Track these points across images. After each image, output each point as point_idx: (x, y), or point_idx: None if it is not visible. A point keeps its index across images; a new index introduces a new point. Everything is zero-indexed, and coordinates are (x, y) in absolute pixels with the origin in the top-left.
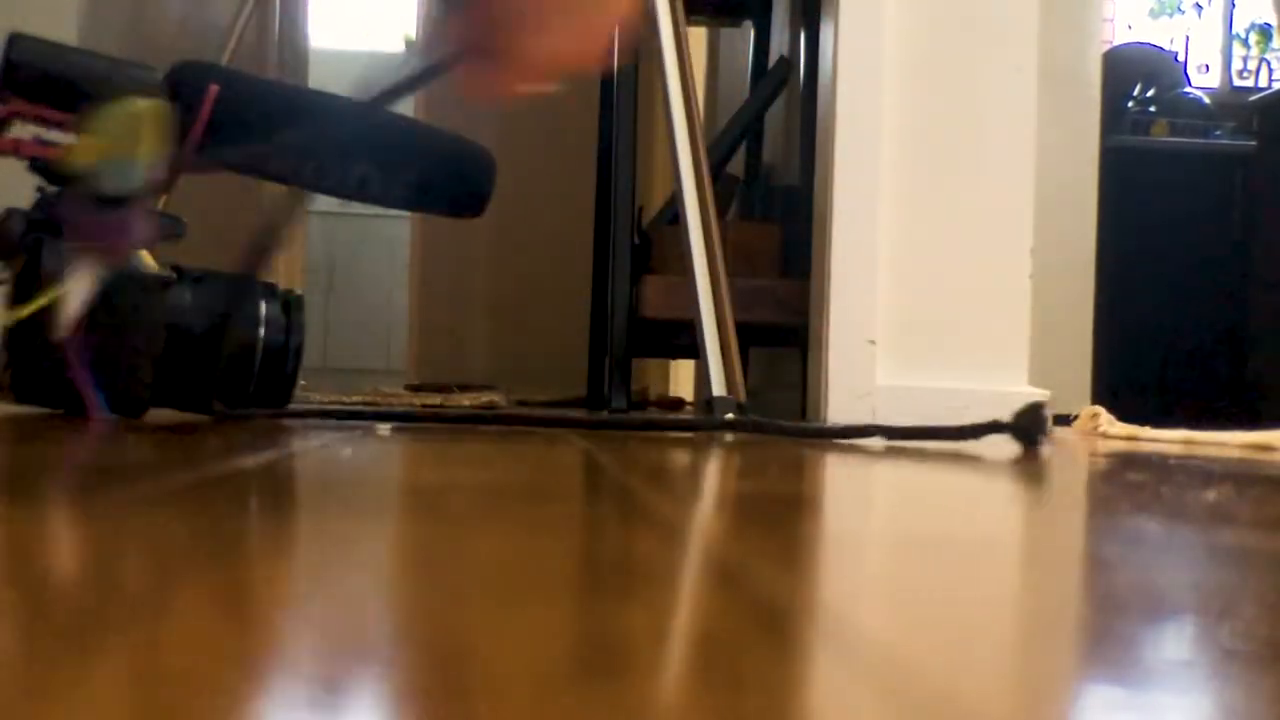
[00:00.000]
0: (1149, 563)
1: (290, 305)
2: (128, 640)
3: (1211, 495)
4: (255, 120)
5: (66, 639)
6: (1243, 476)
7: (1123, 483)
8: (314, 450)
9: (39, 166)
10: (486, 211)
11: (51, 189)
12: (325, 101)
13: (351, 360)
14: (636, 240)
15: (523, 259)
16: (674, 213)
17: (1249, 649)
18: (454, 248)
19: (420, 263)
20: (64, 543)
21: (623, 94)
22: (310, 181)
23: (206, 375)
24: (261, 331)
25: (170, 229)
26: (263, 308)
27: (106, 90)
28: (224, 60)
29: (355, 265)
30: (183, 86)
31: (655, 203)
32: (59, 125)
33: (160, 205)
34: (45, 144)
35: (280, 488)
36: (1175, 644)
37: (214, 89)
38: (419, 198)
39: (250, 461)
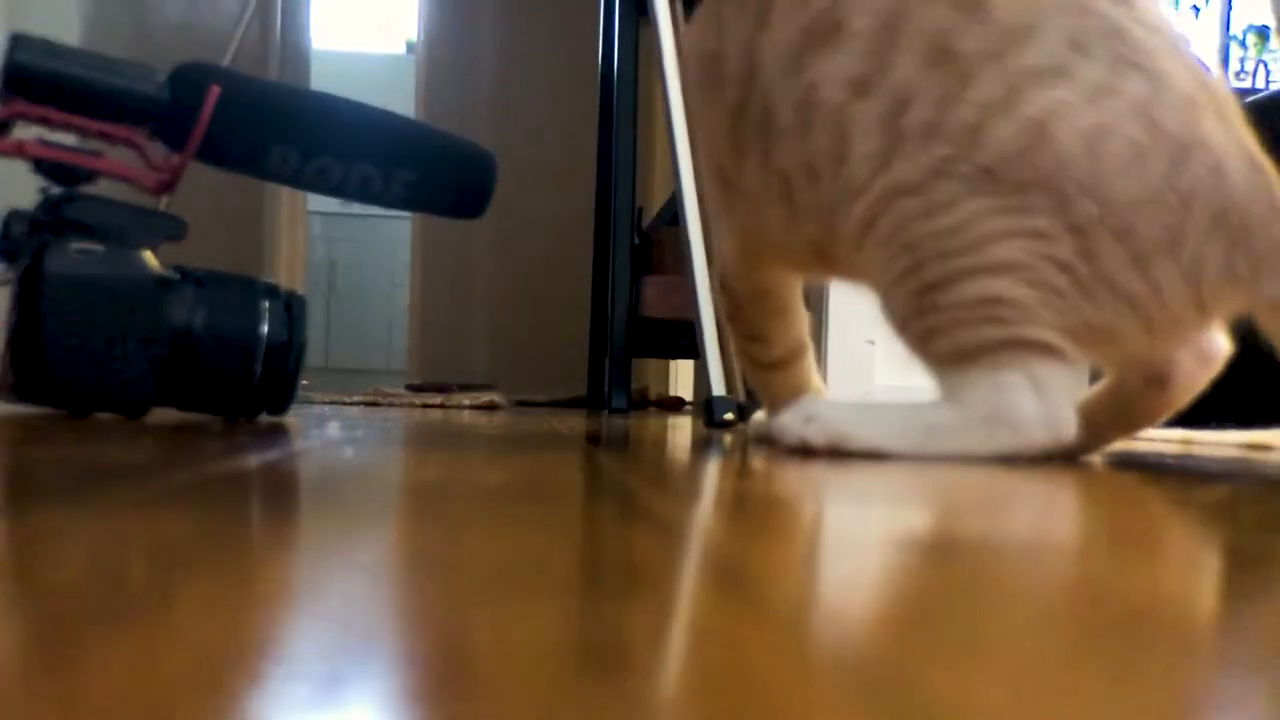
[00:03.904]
0: (1147, 563)
1: (292, 305)
2: (127, 640)
3: (1211, 495)
4: (257, 121)
5: (66, 638)
6: (1242, 476)
7: (1122, 482)
8: (315, 450)
9: (43, 168)
10: (487, 212)
11: (55, 190)
12: (326, 102)
13: (352, 360)
14: (636, 240)
15: (523, 259)
16: (674, 213)
17: (1248, 650)
18: (454, 248)
19: (420, 263)
20: (64, 542)
21: (622, 94)
22: (310, 181)
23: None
24: (264, 330)
25: (171, 229)
26: (265, 307)
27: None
28: (225, 61)
29: (355, 265)
30: (184, 87)
31: (655, 203)
32: (62, 127)
33: (162, 205)
34: (49, 145)
35: (281, 487)
36: (1172, 645)
37: (215, 90)
38: (419, 198)
39: (251, 461)
